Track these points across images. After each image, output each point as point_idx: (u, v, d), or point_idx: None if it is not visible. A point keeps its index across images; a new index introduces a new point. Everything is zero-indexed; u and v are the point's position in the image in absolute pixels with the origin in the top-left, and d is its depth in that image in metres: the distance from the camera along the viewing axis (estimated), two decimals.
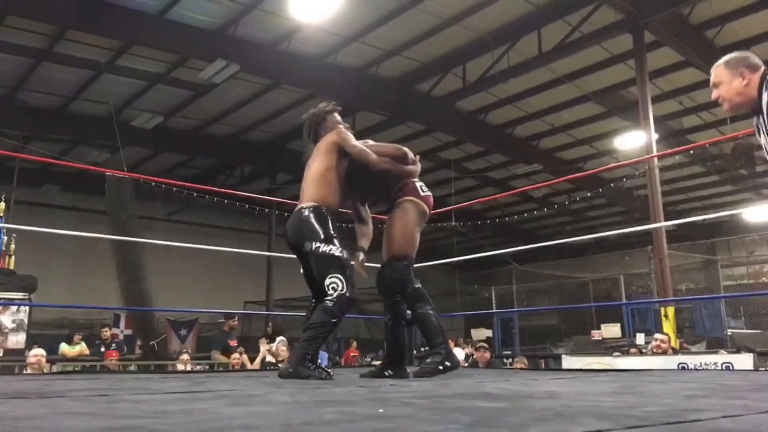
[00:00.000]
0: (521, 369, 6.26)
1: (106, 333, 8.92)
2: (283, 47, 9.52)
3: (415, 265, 3.23)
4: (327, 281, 2.82)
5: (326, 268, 2.85)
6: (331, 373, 2.87)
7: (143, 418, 1.39)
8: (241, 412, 1.50)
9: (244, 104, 11.53)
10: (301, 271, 3.13)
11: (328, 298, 2.79)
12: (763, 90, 2.27)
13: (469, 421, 1.31)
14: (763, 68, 2.34)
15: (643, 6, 8.54)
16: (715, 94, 2.46)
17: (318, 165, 3.05)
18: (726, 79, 2.38)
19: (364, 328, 15.53)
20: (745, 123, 10.74)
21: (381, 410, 1.52)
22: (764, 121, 2.29)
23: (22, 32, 8.90)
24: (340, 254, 2.86)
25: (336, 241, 2.87)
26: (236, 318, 8.20)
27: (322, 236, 2.87)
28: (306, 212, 2.95)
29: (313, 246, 2.87)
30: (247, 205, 10.14)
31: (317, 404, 1.70)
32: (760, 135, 2.36)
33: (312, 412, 1.49)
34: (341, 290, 2.78)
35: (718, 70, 2.43)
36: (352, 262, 3.09)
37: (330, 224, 2.92)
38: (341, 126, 3.21)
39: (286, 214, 10.63)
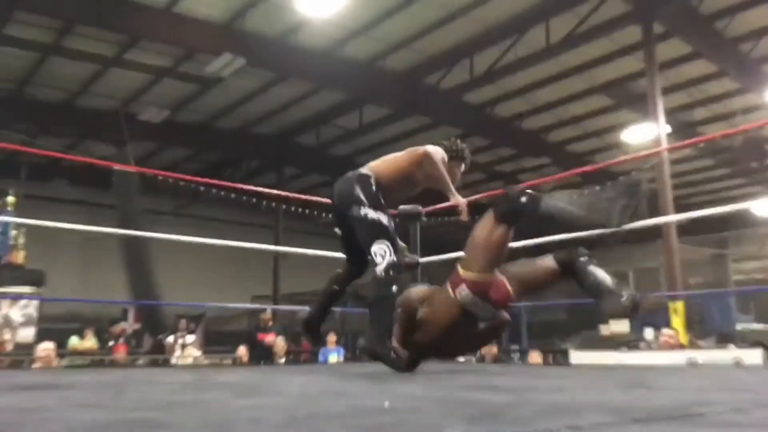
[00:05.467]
0: (537, 363, 6.25)
1: (115, 327, 8.98)
2: (290, 41, 9.50)
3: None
4: (374, 248, 2.75)
5: (372, 235, 2.79)
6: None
7: (150, 410, 1.39)
8: (247, 404, 1.50)
9: (251, 98, 11.51)
10: (337, 231, 3.07)
11: (377, 266, 2.72)
12: None
13: (475, 414, 1.31)
14: None
15: None
16: None
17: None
18: None
19: None
20: (757, 115, 10.68)
21: (387, 403, 1.52)
22: None
23: (29, 27, 8.92)
24: (388, 224, 2.84)
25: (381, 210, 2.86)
26: (267, 311, 8.36)
27: (369, 203, 2.84)
28: (360, 177, 2.95)
29: (361, 212, 2.83)
30: (254, 199, 10.15)
31: (323, 396, 1.70)
32: None
33: (318, 405, 1.49)
34: (389, 257, 2.74)
35: None
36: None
37: (379, 195, 2.90)
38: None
39: (293, 208, 10.72)
